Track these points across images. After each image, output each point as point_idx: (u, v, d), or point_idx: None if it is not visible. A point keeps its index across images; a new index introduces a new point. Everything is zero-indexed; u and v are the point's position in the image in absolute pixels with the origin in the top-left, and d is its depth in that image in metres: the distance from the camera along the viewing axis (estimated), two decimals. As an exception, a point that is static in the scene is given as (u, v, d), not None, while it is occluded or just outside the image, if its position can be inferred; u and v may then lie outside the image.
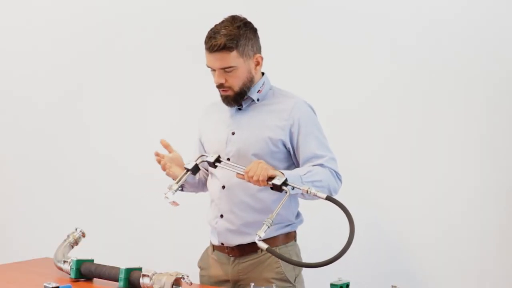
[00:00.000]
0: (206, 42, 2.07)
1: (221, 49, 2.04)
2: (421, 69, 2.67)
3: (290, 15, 2.98)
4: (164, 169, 2.20)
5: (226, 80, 2.08)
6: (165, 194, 2.02)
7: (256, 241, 1.82)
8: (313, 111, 2.15)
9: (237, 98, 2.11)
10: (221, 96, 2.13)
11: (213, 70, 2.09)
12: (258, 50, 2.14)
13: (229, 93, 2.09)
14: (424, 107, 2.67)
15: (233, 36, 2.05)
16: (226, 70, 2.06)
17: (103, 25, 3.59)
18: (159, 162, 2.20)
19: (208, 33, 2.08)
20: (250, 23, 2.13)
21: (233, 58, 2.06)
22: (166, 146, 2.21)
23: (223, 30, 2.05)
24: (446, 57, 2.62)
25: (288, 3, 3.00)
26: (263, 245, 1.81)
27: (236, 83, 2.08)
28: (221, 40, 2.03)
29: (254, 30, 2.13)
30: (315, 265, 1.78)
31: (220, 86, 2.09)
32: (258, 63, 2.13)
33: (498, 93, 2.52)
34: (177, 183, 2.04)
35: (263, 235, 1.82)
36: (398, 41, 2.72)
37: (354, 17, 2.82)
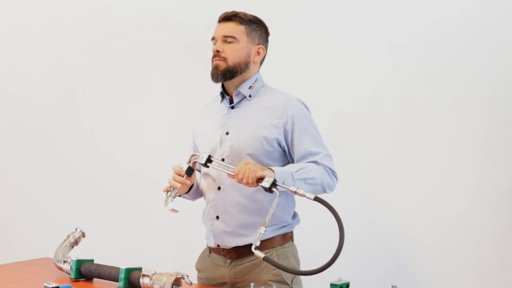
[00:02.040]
0: (220, 16, 2.15)
1: (232, 16, 2.12)
2: (420, 69, 2.67)
3: (288, 16, 2.98)
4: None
5: (223, 50, 2.10)
6: (164, 201, 2.01)
7: (253, 250, 1.81)
8: (307, 108, 2.15)
9: (225, 73, 2.09)
10: (212, 66, 2.12)
11: (216, 42, 2.13)
12: (264, 44, 2.18)
13: (221, 63, 2.09)
14: (424, 106, 2.67)
15: (247, 16, 2.14)
16: (228, 39, 2.10)
17: (102, 25, 3.60)
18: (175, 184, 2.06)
19: None
20: (266, 25, 2.20)
21: (239, 30, 2.11)
22: (180, 173, 2.08)
23: (241, 11, 2.15)
24: (445, 57, 2.62)
25: (286, 4, 3.00)
26: (260, 254, 1.80)
27: (232, 56, 2.09)
28: (235, 12, 2.13)
29: (266, 31, 2.20)
30: (309, 273, 1.76)
31: (215, 55, 2.11)
32: (258, 53, 2.16)
33: (498, 93, 2.52)
34: (174, 189, 2.03)
35: (258, 243, 1.81)
36: (397, 41, 2.72)
37: (353, 17, 2.82)
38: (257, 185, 1.89)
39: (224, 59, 2.09)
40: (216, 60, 2.10)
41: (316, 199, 1.81)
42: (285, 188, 1.86)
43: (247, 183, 1.89)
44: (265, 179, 1.87)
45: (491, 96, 2.53)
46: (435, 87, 2.64)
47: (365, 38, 2.79)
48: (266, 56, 2.21)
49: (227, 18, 2.12)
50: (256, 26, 2.14)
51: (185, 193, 2.17)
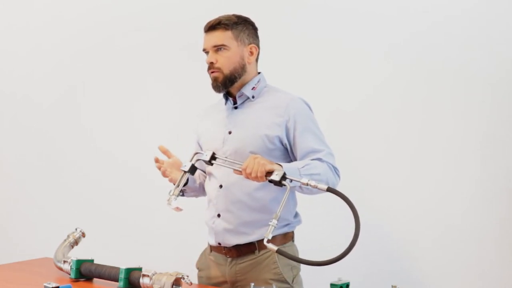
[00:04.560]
0: (204, 26, 2.14)
1: (216, 24, 2.10)
2: (420, 69, 2.67)
3: (287, 15, 2.98)
4: (164, 175, 2.20)
5: (216, 60, 2.10)
6: (167, 200, 2.00)
7: (265, 243, 1.79)
8: (309, 107, 2.15)
9: (225, 82, 2.10)
10: (211, 79, 2.13)
11: (207, 52, 2.13)
12: (254, 42, 2.17)
13: (218, 74, 2.10)
14: (424, 106, 2.67)
15: (231, 19, 2.12)
16: (218, 49, 2.10)
17: (102, 25, 3.60)
18: (159, 168, 2.21)
19: None
20: (251, 21, 2.18)
21: (226, 37, 2.10)
22: (165, 152, 2.21)
23: (223, 15, 2.14)
24: (445, 57, 2.62)
25: (285, 3, 3.00)
26: (273, 247, 1.78)
27: (226, 64, 2.09)
28: (219, 18, 2.12)
29: (253, 27, 2.18)
30: (323, 263, 1.74)
31: (210, 67, 2.11)
32: (252, 53, 2.15)
33: (498, 93, 2.52)
34: (177, 187, 2.03)
35: (270, 236, 1.79)
36: (397, 41, 2.72)
37: (352, 16, 2.82)
38: (266, 179, 1.88)
39: (219, 69, 2.10)
40: (212, 73, 2.11)
41: (329, 189, 1.81)
42: (296, 180, 1.85)
43: (255, 177, 1.88)
44: (275, 173, 1.86)
45: (491, 96, 2.53)
46: (435, 87, 2.64)
47: (365, 38, 2.79)
48: (264, 54, 2.20)
49: (212, 27, 2.11)
50: (243, 26, 2.13)
51: (187, 175, 2.16)
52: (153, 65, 3.43)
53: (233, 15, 2.15)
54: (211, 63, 2.10)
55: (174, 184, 2.08)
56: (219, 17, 2.13)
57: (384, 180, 2.74)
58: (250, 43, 2.14)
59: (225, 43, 2.09)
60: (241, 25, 2.13)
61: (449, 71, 2.61)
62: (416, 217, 2.67)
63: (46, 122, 3.81)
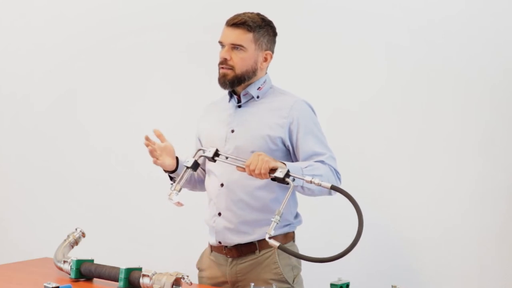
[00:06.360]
0: (228, 19, 2.12)
1: (240, 24, 2.09)
2: (420, 69, 2.67)
3: (289, 15, 2.97)
4: (152, 155, 2.18)
5: (231, 58, 2.09)
6: (169, 195, 2.00)
7: (267, 239, 1.79)
8: (313, 110, 2.16)
9: (233, 81, 2.10)
10: (219, 74, 2.12)
11: (223, 46, 2.12)
12: (271, 49, 2.17)
13: (229, 72, 2.09)
14: (424, 107, 2.67)
15: (256, 21, 2.11)
16: (235, 47, 2.09)
17: (101, 26, 3.59)
18: (147, 146, 2.18)
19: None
20: (274, 26, 2.18)
21: (247, 39, 2.09)
22: (159, 136, 2.19)
23: (249, 14, 2.13)
24: (446, 57, 2.62)
25: (287, 4, 3.00)
26: (275, 243, 1.79)
27: (239, 65, 2.09)
28: (244, 18, 2.10)
29: (274, 32, 2.18)
30: (325, 260, 1.74)
31: (222, 62, 2.10)
32: (266, 60, 2.15)
33: (498, 93, 2.52)
34: (179, 182, 2.02)
35: (272, 232, 1.79)
36: (398, 41, 2.71)
37: (354, 16, 2.82)
38: (269, 176, 1.88)
39: (232, 67, 2.09)
40: (223, 69, 2.10)
41: (333, 187, 1.82)
42: (300, 178, 1.85)
43: (259, 174, 1.88)
44: (279, 170, 1.87)
45: (492, 95, 2.53)
46: (436, 87, 2.64)
47: (367, 37, 2.78)
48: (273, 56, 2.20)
49: (235, 24, 2.10)
50: (264, 31, 2.13)
51: (172, 172, 2.17)
52: (154, 65, 3.42)
53: (258, 15, 2.14)
54: (225, 59, 2.10)
55: (163, 169, 2.14)
56: (245, 15, 2.11)
57: (384, 180, 2.74)
58: (267, 49, 2.14)
59: (243, 44, 2.09)
60: (264, 30, 2.12)
61: (449, 71, 2.61)
62: (416, 217, 2.67)
63: (46, 122, 3.80)
